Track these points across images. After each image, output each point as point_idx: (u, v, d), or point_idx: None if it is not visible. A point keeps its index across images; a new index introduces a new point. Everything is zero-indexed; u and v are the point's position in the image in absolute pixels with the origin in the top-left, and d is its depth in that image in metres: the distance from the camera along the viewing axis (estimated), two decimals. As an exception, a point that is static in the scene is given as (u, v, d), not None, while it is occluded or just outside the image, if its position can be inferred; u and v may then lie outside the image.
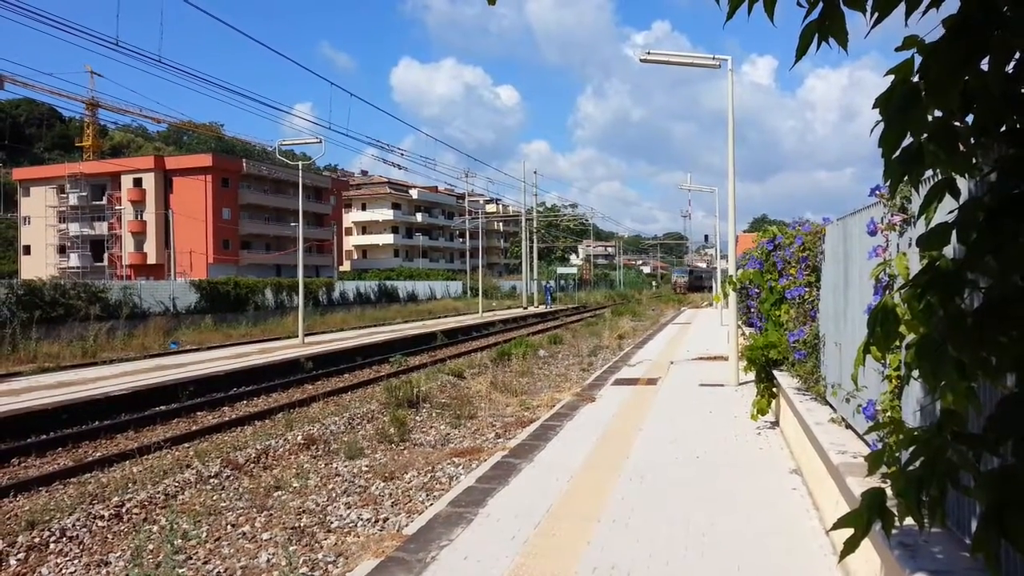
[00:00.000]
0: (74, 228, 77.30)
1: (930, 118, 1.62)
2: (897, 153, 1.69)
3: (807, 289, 8.60)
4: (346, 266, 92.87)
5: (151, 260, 74.00)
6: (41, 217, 77.34)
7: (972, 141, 1.62)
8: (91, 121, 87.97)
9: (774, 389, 9.85)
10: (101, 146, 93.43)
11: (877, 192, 4.50)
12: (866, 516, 1.66)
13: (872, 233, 4.53)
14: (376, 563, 5.57)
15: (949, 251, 1.82)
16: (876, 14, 1.66)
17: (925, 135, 1.64)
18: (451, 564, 5.49)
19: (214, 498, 8.75)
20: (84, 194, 77.34)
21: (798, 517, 6.38)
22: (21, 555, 7.12)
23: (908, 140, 1.66)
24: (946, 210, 1.70)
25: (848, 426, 6.09)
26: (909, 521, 1.71)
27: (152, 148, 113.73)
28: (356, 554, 6.50)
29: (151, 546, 7.13)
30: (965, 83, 1.52)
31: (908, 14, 1.61)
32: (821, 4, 1.78)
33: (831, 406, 6.89)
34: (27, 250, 79.31)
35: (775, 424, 10.26)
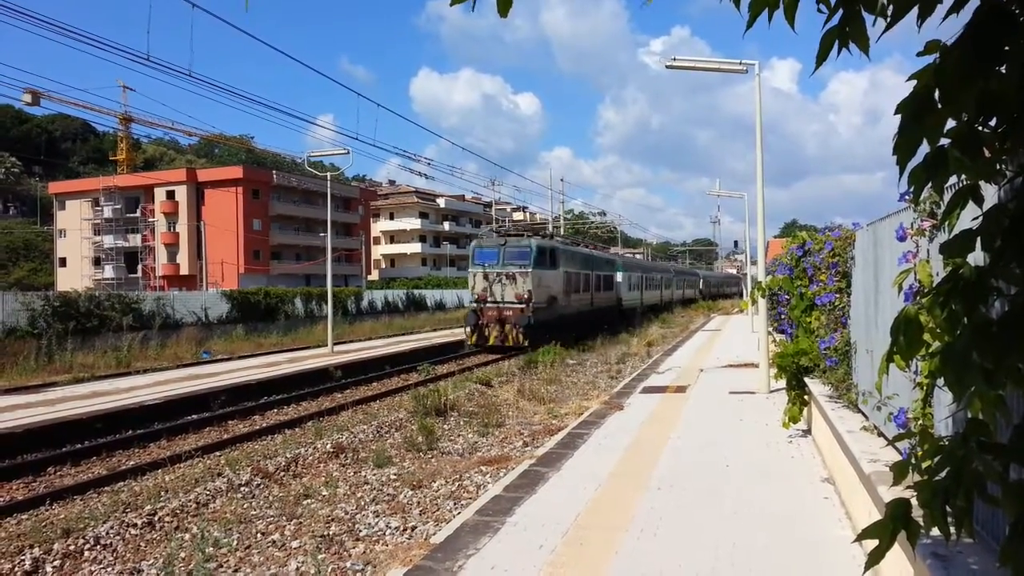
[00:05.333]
0: (108, 240, 78.66)
1: (951, 124, 1.60)
2: (920, 159, 1.67)
3: (838, 295, 8.49)
4: (374, 275, 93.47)
5: (184, 271, 75.09)
6: (76, 230, 78.81)
7: (997, 146, 1.59)
8: (124, 135, 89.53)
9: (805, 397, 9.73)
10: (134, 159, 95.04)
11: (906, 197, 4.43)
12: (891, 527, 1.64)
13: (901, 239, 4.45)
14: (404, 572, 5.59)
15: (975, 257, 1.79)
16: (889, 19, 1.64)
17: (949, 140, 1.62)
18: (478, 573, 5.49)
19: (244, 506, 8.82)
20: (118, 207, 78.73)
21: (830, 527, 6.30)
22: (57, 562, 7.24)
23: (925, 146, 1.64)
24: (970, 216, 1.68)
25: (880, 434, 6.00)
26: (937, 531, 1.68)
27: (184, 161, 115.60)
28: (384, 563, 6.52)
29: (183, 554, 7.21)
30: (985, 88, 1.50)
31: (921, 19, 1.59)
32: (841, 10, 1.77)
33: (863, 414, 6.79)
34: (63, 262, 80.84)
35: (807, 432, 10.14)
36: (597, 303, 36.49)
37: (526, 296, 26.24)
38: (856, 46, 1.76)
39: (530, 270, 26.49)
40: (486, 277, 27.06)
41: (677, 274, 68.08)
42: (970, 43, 1.48)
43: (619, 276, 42.29)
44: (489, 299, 26.74)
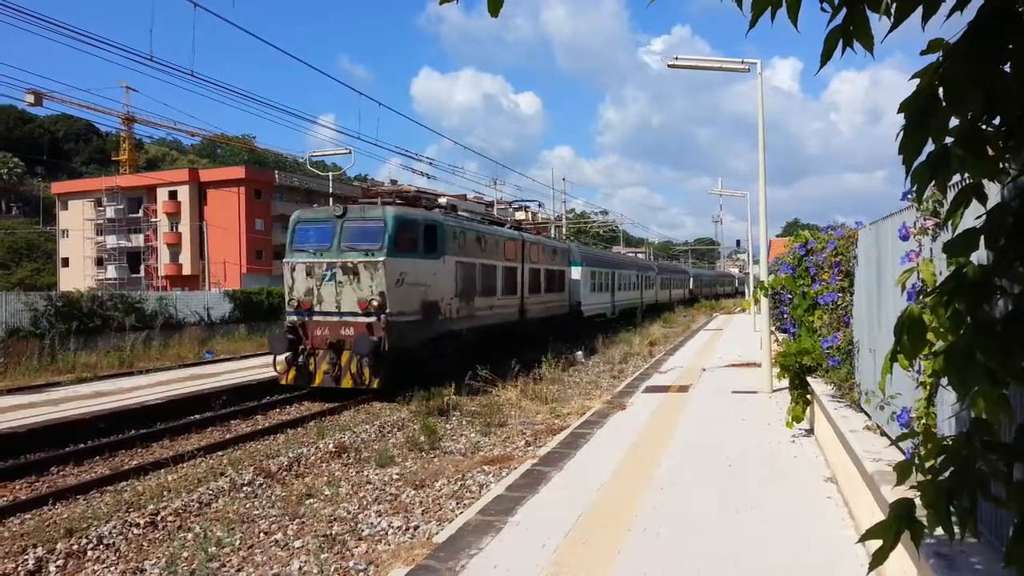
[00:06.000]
0: (111, 240, 78.81)
1: (954, 123, 1.59)
2: (923, 158, 1.67)
3: (840, 294, 8.49)
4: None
5: (186, 271, 75.18)
6: (79, 230, 78.96)
7: (1000, 145, 1.59)
8: (127, 135, 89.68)
9: (808, 396, 9.72)
10: (137, 160, 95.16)
11: (909, 196, 4.43)
12: (895, 527, 1.64)
13: (904, 238, 4.46)
14: (406, 571, 5.59)
15: (979, 256, 1.79)
16: (893, 19, 1.64)
17: (952, 139, 1.62)
18: (481, 573, 5.49)
19: (247, 506, 8.83)
20: (121, 207, 78.89)
21: (833, 526, 6.29)
22: (60, 562, 7.24)
23: (931, 145, 1.63)
24: (974, 215, 1.67)
25: (883, 433, 6.00)
26: (941, 531, 1.68)
27: (186, 161, 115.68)
28: (387, 562, 6.52)
29: (185, 554, 7.22)
30: (989, 86, 1.50)
31: (925, 18, 1.58)
32: (845, 9, 1.77)
33: (866, 413, 6.78)
34: (65, 262, 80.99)
35: (810, 432, 10.13)
36: (534, 311, 25.54)
37: (377, 302, 15.79)
38: (860, 45, 1.76)
39: (383, 259, 15.84)
40: (311, 272, 16.52)
41: (661, 272, 57.85)
42: (975, 42, 1.47)
43: (575, 272, 31.30)
44: (317, 308, 16.43)
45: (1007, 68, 1.52)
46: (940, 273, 3.51)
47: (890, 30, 1.66)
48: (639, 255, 77.75)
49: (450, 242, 18.66)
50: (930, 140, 1.63)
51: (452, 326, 18.69)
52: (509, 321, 23.08)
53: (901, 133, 1.65)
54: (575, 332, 28.86)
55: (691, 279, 74.60)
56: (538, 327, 25.90)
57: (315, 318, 16.48)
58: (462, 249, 19.49)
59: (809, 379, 9.52)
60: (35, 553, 7.33)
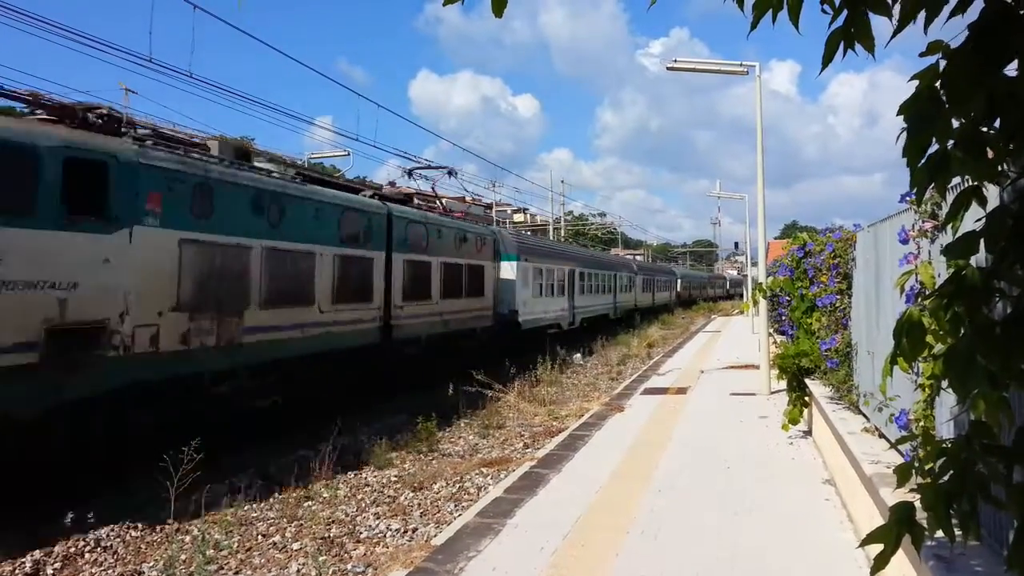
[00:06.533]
0: (109, 242, 78.64)
1: (955, 125, 1.59)
2: (923, 160, 1.66)
3: (839, 297, 8.50)
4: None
5: (184, 272, 75.01)
6: (77, 231, 78.76)
7: (1001, 147, 1.59)
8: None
9: (806, 398, 9.73)
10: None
11: (907, 199, 4.44)
12: (895, 531, 1.63)
13: (903, 241, 4.46)
14: (405, 574, 5.60)
15: (978, 259, 1.79)
16: (896, 22, 1.64)
17: (952, 142, 1.61)
18: (479, 575, 5.48)
19: (245, 508, 8.80)
20: (119, 208, 78.74)
21: (831, 529, 6.29)
22: (58, 564, 7.22)
23: (933, 147, 1.63)
24: (973, 218, 1.67)
25: (882, 436, 6.00)
26: (941, 534, 1.68)
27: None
28: (385, 564, 6.51)
29: (183, 556, 7.19)
30: (991, 89, 1.50)
31: (928, 20, 1.58)
32: (846, 10, 1.77)
33: (864, 415, 6.79)
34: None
35: (808, 433, 10.13)
36: (415, 328, 16.38)
37: None
38: (862, 47, 1.76)
39: None
40: None
41: (642, 271, 48.52)
42: (978, 44, 1.47)
43: (507, 269, 22.66)
44: None
45: (1008, 70, 1.52)
46: (939, 275, 3.51)
47: (894, 33, 1.66)
48: (637, 257, 76.62)
49: (155, 199, 9.43)
50: (934, 142, 1.63)
51: (153, 372, 9.34)
52: (354, 346, 13.92)
53: (904, 135, 1.65)
54: (506, 352, 19.15)
55: (678, 280, 66.52)
56: (428, 352, 16.95)
57: None
58: (203, 217, 10.24)
59: (807, 381, 9.52)
60: (32, 555, 7.30)
